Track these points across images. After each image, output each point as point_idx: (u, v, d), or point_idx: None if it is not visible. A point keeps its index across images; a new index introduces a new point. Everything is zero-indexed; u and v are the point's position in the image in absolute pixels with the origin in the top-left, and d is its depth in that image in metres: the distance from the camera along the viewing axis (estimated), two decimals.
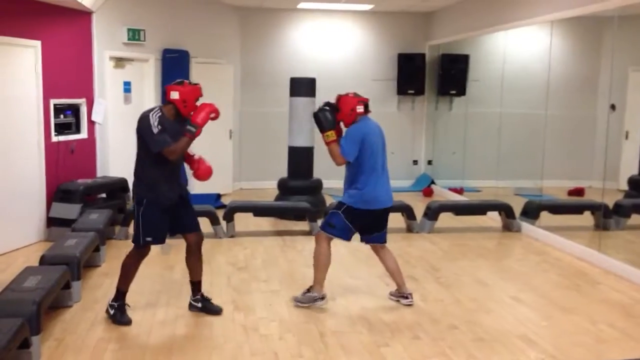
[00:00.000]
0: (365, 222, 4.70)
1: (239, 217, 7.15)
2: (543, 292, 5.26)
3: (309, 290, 4.76)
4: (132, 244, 4.35)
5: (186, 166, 4.57)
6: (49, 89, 6.62)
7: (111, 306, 4.40)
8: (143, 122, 4.15)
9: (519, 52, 8.72)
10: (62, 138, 6.87)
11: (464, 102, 10.01)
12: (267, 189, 9.31)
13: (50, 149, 6.71)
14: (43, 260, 4.83)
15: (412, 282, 5.43)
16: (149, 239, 4.28)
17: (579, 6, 6.51)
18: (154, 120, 4.12)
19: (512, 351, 4.02)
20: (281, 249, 6.52)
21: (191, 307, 4.62)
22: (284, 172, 8.41)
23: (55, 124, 6.81)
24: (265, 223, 7.69)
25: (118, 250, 5.98)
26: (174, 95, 4.21)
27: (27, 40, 6.32)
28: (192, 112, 4.23)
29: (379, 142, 4.80)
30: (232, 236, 6.93)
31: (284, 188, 8.23)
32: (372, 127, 4.78)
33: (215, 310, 4.57)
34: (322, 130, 4.78)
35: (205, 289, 5.14)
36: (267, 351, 3.97)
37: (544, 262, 6.21)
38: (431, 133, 10.80)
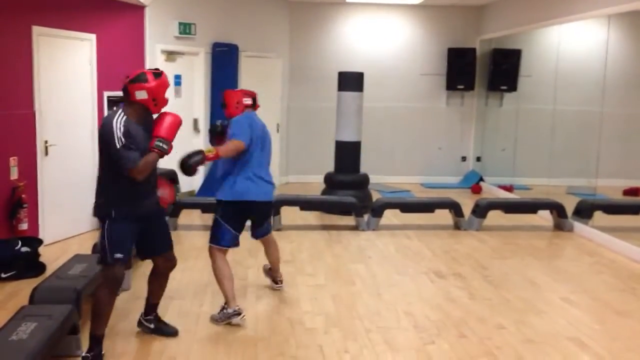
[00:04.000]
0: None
1: (285, 210, 7.18)
2: (596, 294, 5.11)
3: (224, 308, 4.35)
4: (101, 270, 3.71)
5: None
6: (103, 82, 6.77)
7: (84, 358, 3.60)
8: (105, 129, 3.49)
9: (573, 47, 8.47)
10: None
11: (515, 98, 9.80)
12: (313, 183, 9.33)
13: None
14: (95, 249, 4.95)
15: (459, 279, 5.36)
16: (118, 255, 3.61)
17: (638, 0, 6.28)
18: (117, 128, 3.45)
19: (563, 354, 3.92)
20: (327, 244, 6.52)
21: (141, 325, 4.09)
22: (330, 167, 8.41)
23: None
24: (312, 217, 7.70)
25: None
26: (141, 94, 3.53)
27: (83, 34, 6.48)
28: (158, 113, 3.66)
29: (264, 137, 4.50)
30: (278, 229, 6.96)
31: (331, 182, 8.23)
32: (256, 120, 4.46)
33: (170, 332, 4.07)
34: (195, 163, 4.05)
35: (252, 281, 5.19)
36: (312, 345, 3.98)
37: (598, 263, 6.03)
38: (480, 129, 10.62)
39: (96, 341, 3.62)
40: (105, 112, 6.89)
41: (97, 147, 6.60)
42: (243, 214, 4.43)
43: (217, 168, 4.58)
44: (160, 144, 3.57)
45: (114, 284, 3.66)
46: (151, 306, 4.08)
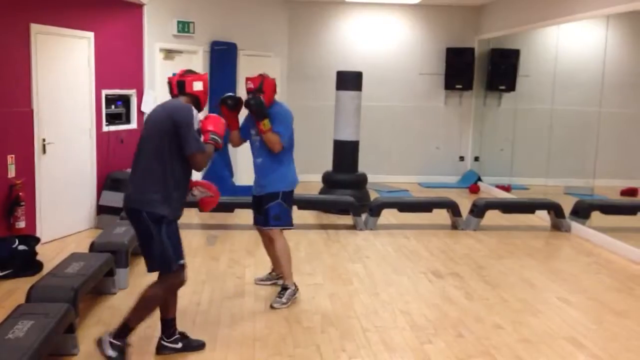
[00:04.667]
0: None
1: None
2: (593, 294, 5.11)
3: (285, 288, 4.63)
4: (159, 276, 3.52)
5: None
6: (101, 80, 6.76)
7: (112, 345, 3.45)
8: (183, 112, 3.42)
9: (572, 47, 8.48)
10: (112, 128, 7.02)
11: (513, 98, 9.81)
12: (311, 182, 9.32)
13: (101, 139, 6.86)
14: (93, 247, 4.95)
15: (457, 279, 5.36)
16: (182, 261, 3.52)
17: (637, 0, 6.27)
18: (194, 112, 3.47)
19: (560, 354, 3.92)
20: (325, 243, 6.52)
21: (164, 349, 3.72)
22: (328, 166, 8.41)
23: (106, 114, 6.96)
24: (310, 216, 7.70)
25: None
26: (198, 85, 3.59)
27: (81, 32, 6.47)
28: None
29: None
30: None
31: (329, 181, 8.23)
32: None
33: (200, 345, 3.82)
34: (260, 118, 4.42)
35: (249, 280, 5.19)
36: (309, 344, 3.97)
37: (595, 263, 6.04)
38: (478, 129, 10.63)
39: (127, 332, 3.51)
40: (104, 111, 6.89)
41: (94, 146, 6.78)
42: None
43: (255, 163, 4.65)
44: (215, 137, 3.60)
45: (177, 289, 3.63)
46: (170, 323, 3.73)
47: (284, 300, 4.54)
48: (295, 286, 4.67)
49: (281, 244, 4.64)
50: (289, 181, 4.64)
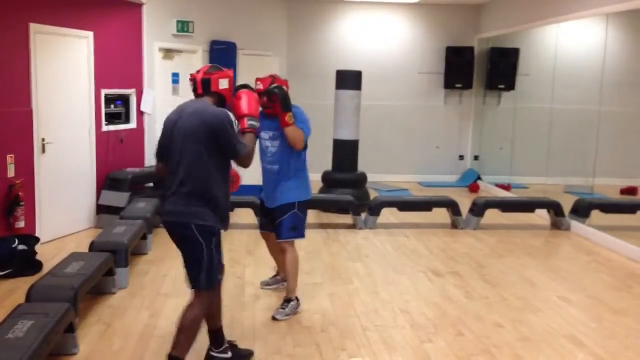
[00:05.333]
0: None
1: None
2: (593, 293, 5.11)
3: (289, 300, 4.43)
4: (198, 293, 3.31)
5: None
6: (101, 80, 6.76)
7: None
8: (220, 118, 3.20)
9: (572, 46, 8.48)
10: (112, 128, 7.02)
11: (513, 97, 9.81)
12: (311, 182, 9.31)
13: (101, 139, 6.86)
14: (93, 247, 4.95)
15: (457, 278, 5.36)
16: (220, 276, 3.43)
17: None
18: (230, 115, 3.27)
19: (559, 352, 3.92)
20: (324, 242, 6.52)
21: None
22: (328, 165, 8.40)
23: (106, 114, 6.95)
24: (309, 215, 7.63)
25: (164, 238, 6.07)
26: (224, 84, 3.39)
27: (81, 32, 6.47)
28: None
29: None
30: None
31: (328, 181, 8.23)
32: None
33: (247, 355, 3.74)
34: (285, 109, 4.20)
35: (249, 280, 5.19)
36: (309, 343, 3.97)
37: (595, 262, 6.04)
38: (478, 128, 10.62)
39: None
40: (103, 110, 6.88)
41: (94, 146, 6.77)
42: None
43: (268, 169, 4.40)
44: (252, 122, 3.45)
45: (213, 304, 3.41)
46: (218, 333, 3.59)
47: (287, 312, 4.35)
48: (298, 300, 4.49)
49: (293, 256, 4.43)
50: (304, 190, 4.42)
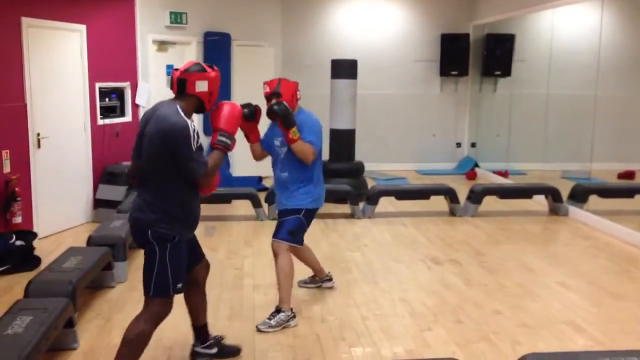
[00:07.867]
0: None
1: None
2: (592, 277, 5.12)
3: (278, 311, 4.09)
4: (147, 301, 3.15)
5: None
6: (94, 73, 6.72)
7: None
8: (175, 131, 2.94)
9: (567, 31, 8.46)
10: (107, 121, 6.98)
11: (509, 83, 9.79)
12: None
13: (97, 132, 6.82)
14: (90, 241, 4.93)
15: (455, 265, 5.36)
16: (180, 285, 3.16)
17: None
18: (191, 128, 2.98)
19: (559, 338, 3.93)
20: (322, 232, 6.51)
21: (199, 356, 3.59)
22: (325, 155, 8.36)
23: (101, 107, 6.92)
24: None
25: None
26: (202, 86, 3.08)
27: (73, 25, 6.42)
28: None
29: None
30: (274, 219, 6.94)
31: (325, 171, 8.16)
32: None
33: (235, 351, 3.66)
34: (287, 126, 3.97)
35: (248, 271, 5.19)
36: (309, 333, 3.98)
37: (593, 247, 6.05)
38: (475, 115, 10.61)
39: None
40: (98, 104, 6.85)
41: (89, 139, 6.74)
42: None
43: (278, 173, 4.24)
44: (223, 139, 3.13)
45: (163, 318, 3.17)
46: (202, 329, 3.57)
47: (272, 323, 4.00)
48: (292, 312, 4.12)
49: (285, 261, 4.12)
50: (314, 197, 4.21)
